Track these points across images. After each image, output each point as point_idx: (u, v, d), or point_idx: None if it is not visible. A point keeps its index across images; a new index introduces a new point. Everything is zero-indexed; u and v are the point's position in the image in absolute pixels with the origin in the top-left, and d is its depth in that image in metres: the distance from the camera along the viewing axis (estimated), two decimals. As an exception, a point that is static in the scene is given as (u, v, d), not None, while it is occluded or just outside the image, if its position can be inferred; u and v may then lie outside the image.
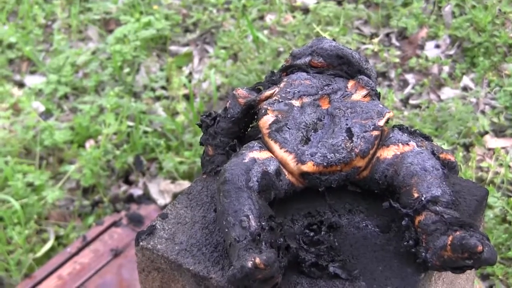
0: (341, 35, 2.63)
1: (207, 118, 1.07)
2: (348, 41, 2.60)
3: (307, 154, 0.93)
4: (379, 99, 1.06)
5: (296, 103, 1.00)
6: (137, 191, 2.24)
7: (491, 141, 2.20)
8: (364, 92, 1.02)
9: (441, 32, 2.60)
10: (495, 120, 2.26)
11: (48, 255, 2.02)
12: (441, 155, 0.98)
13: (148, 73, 2.70)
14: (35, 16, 3.06)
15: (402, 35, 2.70)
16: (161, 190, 2.22)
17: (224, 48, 2.73)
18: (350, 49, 1.07)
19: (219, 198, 0.89)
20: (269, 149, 0.96)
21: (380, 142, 0.96)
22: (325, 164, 0.93)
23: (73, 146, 2.35)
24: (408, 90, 2.47)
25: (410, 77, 2.52)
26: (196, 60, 2.78)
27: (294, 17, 2.82)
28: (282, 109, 0.99)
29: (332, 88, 1.02)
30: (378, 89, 1.19)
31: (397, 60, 2.55)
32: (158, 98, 2.60)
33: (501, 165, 2.09)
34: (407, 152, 0.94)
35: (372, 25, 2.75)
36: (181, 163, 2.26)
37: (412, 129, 1.02)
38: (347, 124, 0.96)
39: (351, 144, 0.94)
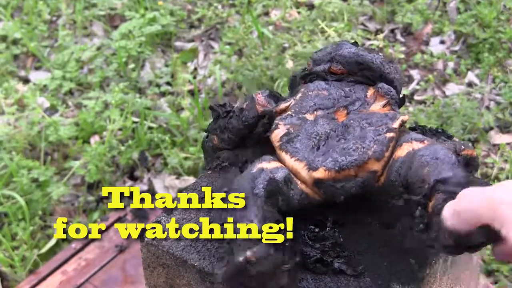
0: (346, 31, 2.62)
1: (221, 108, 1.07)
2: (353, 37, 2.60)
3: (318, 160, 0.90)
4: (403, 104, 1.03)
5: (310, 117, 0.97)
6: (142, 187, 2.24)
7: (496, 137, 2.19)
8: (383, 102, 0.98)
9: (446, 28, 2.60)
10: (500, 116, 2.26)
11: (53, 251, 2.02)
12: (463, 152, 0.94)
13: (153, 69, 2.70)
14: (40, 12, 3.06)
15: (407, 31, 2.69)
16: (166, 186, 2.22)
17: (229, 44, 2.73)
18: (371, 53, 1.02)
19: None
20: (281, 161, 0.93)
21: (396, 145, 0.92)
22: (336, 168, 0.89)
23: (78, 142, 2.35)
24: (413, 86, 2.47)
25: (415, 73, 2.52)
26: (201, 56, 2.78)
27: (299, 13, 2.82)
28: (294, 123, 0.97)
29: (350, 99, 0.99)
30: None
31: (402, 56, 2.54)
32: (163, 94, 2.60)
33: (506, 161, 2.09)
34: (420, 148, 0.89)
35: (377, 21, 2.74)
36: (186, 159, 2.26)
37: (435, 129, 1.00)
38: (360, 132, 0.93)
39: (363, 147, 0.90)
